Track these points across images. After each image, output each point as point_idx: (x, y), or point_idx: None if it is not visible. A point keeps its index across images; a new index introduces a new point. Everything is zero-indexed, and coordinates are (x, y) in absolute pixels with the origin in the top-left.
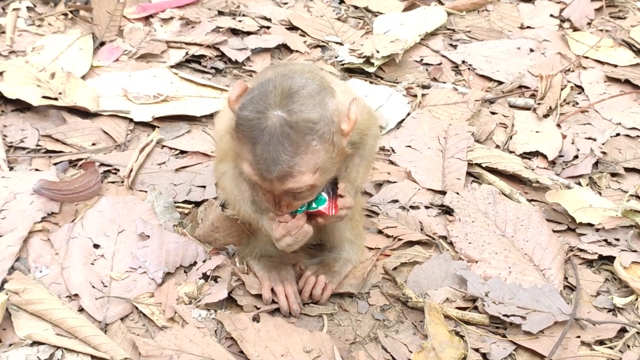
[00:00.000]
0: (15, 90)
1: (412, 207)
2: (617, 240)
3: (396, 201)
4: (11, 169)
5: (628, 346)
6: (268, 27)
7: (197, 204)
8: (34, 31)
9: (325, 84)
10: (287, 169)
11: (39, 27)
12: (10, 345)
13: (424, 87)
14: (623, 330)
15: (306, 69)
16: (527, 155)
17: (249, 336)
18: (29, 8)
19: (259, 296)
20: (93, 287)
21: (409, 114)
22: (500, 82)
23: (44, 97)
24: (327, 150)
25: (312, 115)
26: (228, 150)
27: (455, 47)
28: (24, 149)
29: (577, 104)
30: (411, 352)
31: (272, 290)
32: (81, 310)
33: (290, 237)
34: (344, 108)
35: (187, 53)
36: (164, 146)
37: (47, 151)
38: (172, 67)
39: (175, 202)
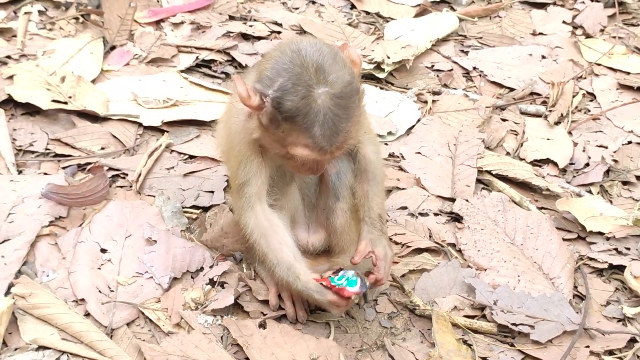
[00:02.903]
0: (25, 93)
1: (421, 214)
2: (628, 249)
3: (405, 208)
4: (20, 172)
5: (638, 357)
6: (279, 32)
7: (205, 209)
8: (45, 35)
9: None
10: (346, 135)
11: (50, 30)
12: (16, 349)
13: (435, 93)
14: (633, 341)
15: (303, 38)
16: (537, 163)
17: (255, 342)
18: (40, 12)
19: (265, 302)
20: (99, 291)
21: (419, 120)
22: (511, 89)
23: (54, 100)
24: (360, 99)
25: (346, 77)
26: (236, 169)
27: (466, 53)
28: (33, 152)
29: (589, 111)
30: None
31: (279, 296)
32: (87, 315)
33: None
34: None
35: (197, 57)
36: (172, 151)
37: (56, 155)
38: (182, 71)
39: (183, 207)
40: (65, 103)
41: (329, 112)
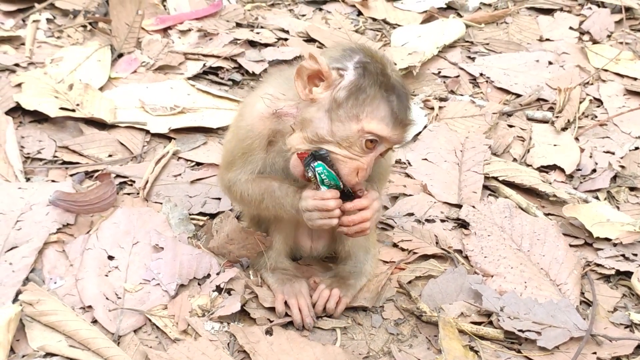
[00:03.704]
0: (33, 101)
1: (427, 220)
2: (635, 255)
3: (412, 214)
4: (28, 180)
5: None
6: (285, 39)
7: (212, 216)
8: (53, 43)
9: None
10: (414, 117)
11: (58, 38)
12: (24, 356)
13: (442, 99)
14: None
15: None
16: (544, 169)
17: (261, 349)
18: (48, 20)
19: (272, 309)
20: (107, 298)
21: (425, 127)
22: (518, 95)
23: (62, 108)
24: None
25: None
26: (235, 155)
27: (473, 59)
28: (40, 160)
29: (596, 117)
30: None
31: (285, 303)
32: (94, 321)
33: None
34: None
35: (204, 65)
36: (179, 158)
37: (64, 162)
38: (189, 78)
39: (190, 214)
40: (73, 110)
41: (402, 90)
